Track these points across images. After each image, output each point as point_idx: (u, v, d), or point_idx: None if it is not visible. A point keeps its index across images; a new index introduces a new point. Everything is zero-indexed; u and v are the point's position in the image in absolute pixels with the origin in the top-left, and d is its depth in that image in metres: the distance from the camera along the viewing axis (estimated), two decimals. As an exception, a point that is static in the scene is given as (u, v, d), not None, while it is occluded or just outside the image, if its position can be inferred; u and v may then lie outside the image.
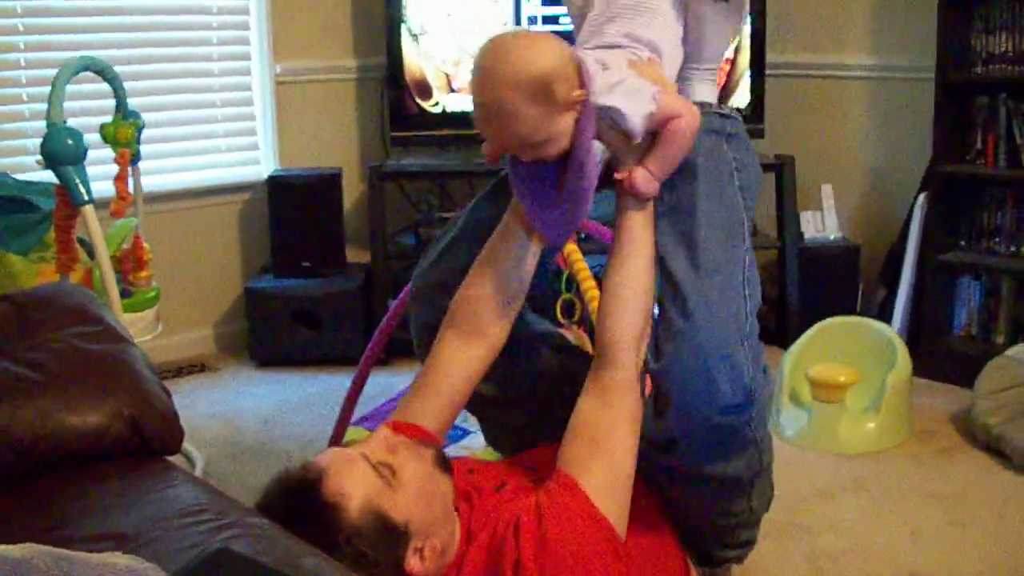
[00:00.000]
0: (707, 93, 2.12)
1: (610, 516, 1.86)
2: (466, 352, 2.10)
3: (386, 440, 1.87)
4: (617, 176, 1.97)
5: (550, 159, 1.92)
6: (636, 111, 1.87)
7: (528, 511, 1.83)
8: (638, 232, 2.00)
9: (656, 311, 2.03)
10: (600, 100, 1.87)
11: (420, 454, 1.87)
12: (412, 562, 1.76)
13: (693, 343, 1.93)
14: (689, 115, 1.93)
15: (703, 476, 2.09)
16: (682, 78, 2.09)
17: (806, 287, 4.31)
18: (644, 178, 1.94)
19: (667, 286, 2.00)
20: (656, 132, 1.92)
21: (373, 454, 1.82)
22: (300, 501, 1.74)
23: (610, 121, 1.90)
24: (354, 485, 1.75)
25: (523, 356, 2.31)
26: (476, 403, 2.37)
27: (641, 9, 2.00)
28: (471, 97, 1.90)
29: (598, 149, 1.97)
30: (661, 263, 2.01)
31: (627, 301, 1.97)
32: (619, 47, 1.97)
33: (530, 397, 2.30)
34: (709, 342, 1.93)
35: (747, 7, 2.11)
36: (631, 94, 1.88)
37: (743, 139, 2.14)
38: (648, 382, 2.03)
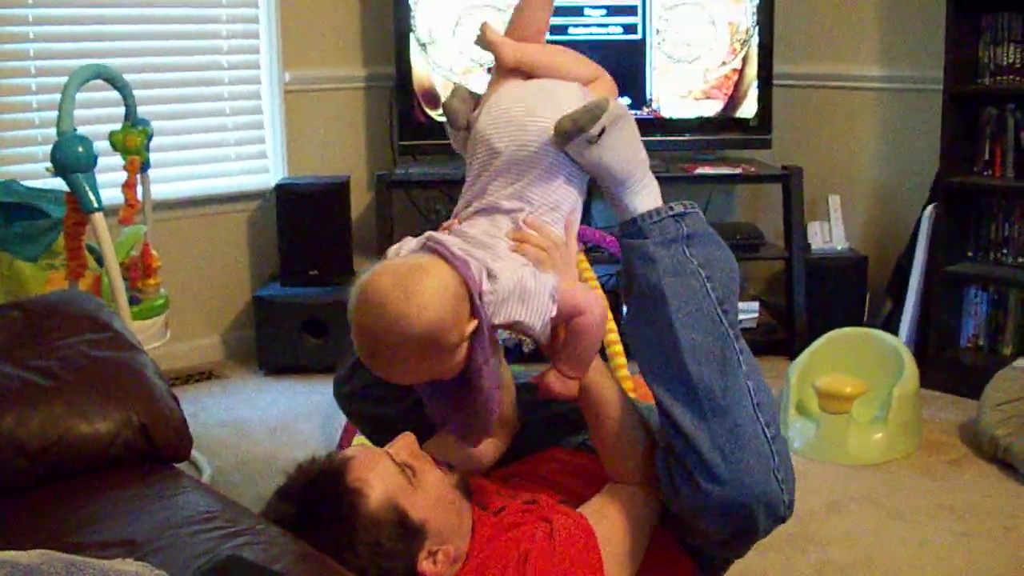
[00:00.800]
0: (649, 201, 1.94)
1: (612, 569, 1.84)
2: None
3: (411, 445, 1.86)
4: (534, 382, 1.86)
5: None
6: (535, 319, 1.72)
7: (541, 543, 1.79)
8: (594, 387, 1.90)
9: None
10: (497, 320, 1.71)
11: (443, 471, 1.87)
12: (425, 564, 1.75)
13: (722, 500, 1.80)
14: (591, 309, 1.79)
15: (723, 543, 2.06)
16: (612, 198, 1.94)
17: (813, 298, 4.31)
18: (559, 381, 1.82)
19: (677, 437, 1.85)
20: (560, 329, 1.79)
21: (398, 454, 1.82)
22: (323, 485, 1.73)
23: (512, 331, 1.75)
24: (377, 477, 1.75)
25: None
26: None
27: (528, 165, 1.85)
28: (355, 343, 1.72)
29: (494, 366, 1.78)
30: (662, 412, 1.87)
31: (624, 458, 1.93)
32: (502, 210, 1.83)
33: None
34: (739, 497, 1.80)
35: (618, 116, 1.87)
36: (527, 300, 1.72)
37: (705, 234, 1.97)
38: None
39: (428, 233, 1.79)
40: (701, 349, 1.86)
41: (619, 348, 2.83)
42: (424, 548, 1.74)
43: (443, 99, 1.98)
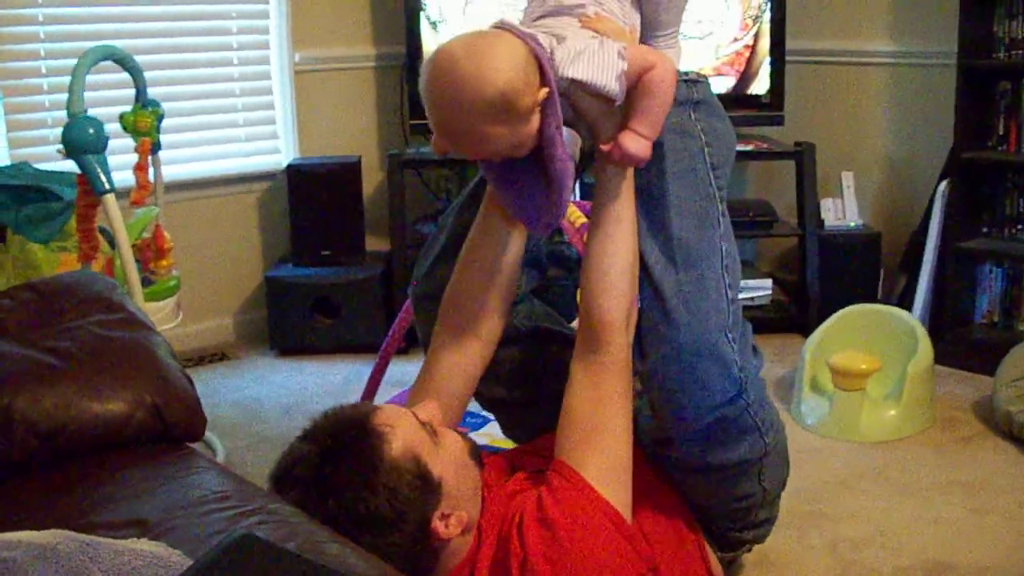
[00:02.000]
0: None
1: (614, 500, 1.85)
2: (462, 353, 2.06)
3: (435, 411, 1.88)
4: (603, 148, 1.88)
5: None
6: (608, 74, 1.77)
7: (530, 507, 1.82)
8: (621, 205, 1.93)
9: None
10: (567, 73, 1.76)
11: (460, 437, 1.89)
12: (437, 523, 1.76)
13: (676, 345, 1.91)
14: (662, 63, 1.84)
15: (706, 466, 2.08)
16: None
17: (826, 275, 4.30)
18: (633, 140, 1.84)
19: (645, 283, 1.95)
20: (631, 93, 1.83)
21: (420, 414, 1.84)
22: (348, 427, 1.77)
23: (585, 91, 1.79)
24: (401, 427, 1.78)
25: (531, 354, 2.30)
26: (490, 405, 2.38)
27: None
28: (428, 114, 1.76)
29: (568, 137, 1.86)
30: (640, 264, 1.96)
31: (612, 279, 1.92)
32: (567, 12, 1.87)
33: (543, 394, 2.24)
34: (693, 343, 1.90)
35: None
36: (597, 59, 1.78)
37: (712, 104, 2.09)
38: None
39: (500, 19, 1.82)
40: (685, 203, 1.96)
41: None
42: (439, 507, 1.76)
43: None
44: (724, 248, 1.99)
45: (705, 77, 2.08)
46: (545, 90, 1.73)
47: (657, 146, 1.91)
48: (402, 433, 1.77)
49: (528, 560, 1.75)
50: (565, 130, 1.82)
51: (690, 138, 2.01)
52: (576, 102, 1.84)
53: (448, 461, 1.80)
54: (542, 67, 1.73)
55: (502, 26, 1.77)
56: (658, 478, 2.12)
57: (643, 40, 2.00)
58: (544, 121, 1.75)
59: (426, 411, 1.86)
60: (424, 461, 1.76)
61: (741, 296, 2.07)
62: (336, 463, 1.72)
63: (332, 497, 1.70)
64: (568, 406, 1.92)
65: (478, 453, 1.93)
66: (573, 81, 1.77)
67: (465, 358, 2.07)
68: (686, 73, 2.04)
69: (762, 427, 2.07)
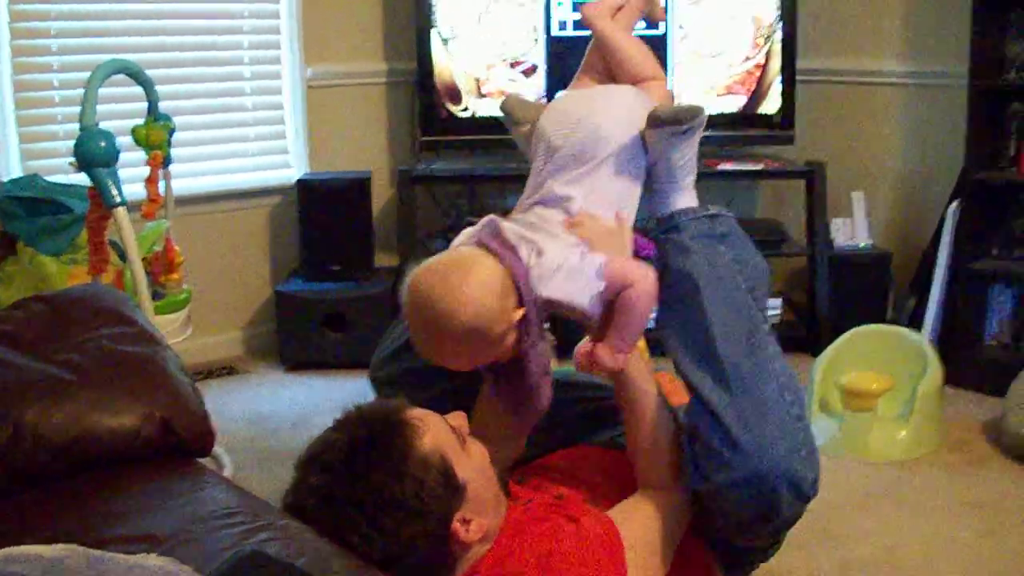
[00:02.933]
0: (687, 200, 2.08)
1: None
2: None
3: (463, 420, 1.88)
4: (577, 356, 1.92)
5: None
6: (583, 295, 1.82)
7: (565, 539, 1.81)
8: (632, 382, 1.97)
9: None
10: (544, 294, 1.81)
11: (485, 451, 1.88)
12: (458, 525, 1.76)
13: (746, 472, 1.86)
14: (642, 281, 1.86)
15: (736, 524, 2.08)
16: (656, 192, 2.07)
17: (836, 295, 4.29)
18: (607, 354, 1.88)
19: (702, 414, 1.92)
20: (610, 304, 1.86)
21: (450, 419, 1.84)
22: (381, 417, 1.78)
23: (561, 307, 1.84)
24: (433, 426, 1.78)
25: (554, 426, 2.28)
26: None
27: (585, 159, 1.95)
28: (410, 332, 1.87)
29: (542, 350, 1.88)
30: (691, 393, 1.96)
31: (656, 458, 1.97)
32: (556, 204, 1.93)
33: (551, 446, 2.27)
34: (762, 467, 1.86)
35: (703, 124, 2.02)
36: (575, 277, 1.82)
37: (738, 235, 2.10)
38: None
39: (489, 217, 1.90)
40: (730, 329, 1.95)
41: (642, 344, 2.84)
42: (461, 510, 1.76)
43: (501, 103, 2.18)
44: (778, 368, 1.97)
45: (729, 211, 2.11)
46: (520, 311, 1.79)
47: (692, 280, 1.98)
48: (433, 430, 1.77)
49: None
50: (539, 346, 1.86)
51: (721, 267, 2.02)
52: (555, 310, 1.87)
53: (474, 467, 1.81)
54: (519, 288, 1.79)
55: (486, 241, 1.84)
56: None
57: (656, 187, 2.07)
58: (519, 337, 1.82)
59: (456, 418, 1.87)
60: (451, 462, 1.76)
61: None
62: (367, 450, 1.73)
63: (360, 481, 1.70)
64: (635, 496, 1.99)
65: (506, 486, 1.93)
66: (549, 301, 1.82)
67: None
68: (708, 207, 2.07)
69: (814, 488, 2.01)
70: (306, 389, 4.03)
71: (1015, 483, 3.14)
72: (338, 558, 1.54)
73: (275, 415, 3.76)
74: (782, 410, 1.91)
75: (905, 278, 4.34)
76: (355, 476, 1.71)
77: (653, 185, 2.07)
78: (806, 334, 4.32)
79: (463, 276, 1.77)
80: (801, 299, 4.53)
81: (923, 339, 3.63)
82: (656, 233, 2.06)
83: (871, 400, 3.33)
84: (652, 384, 1.98)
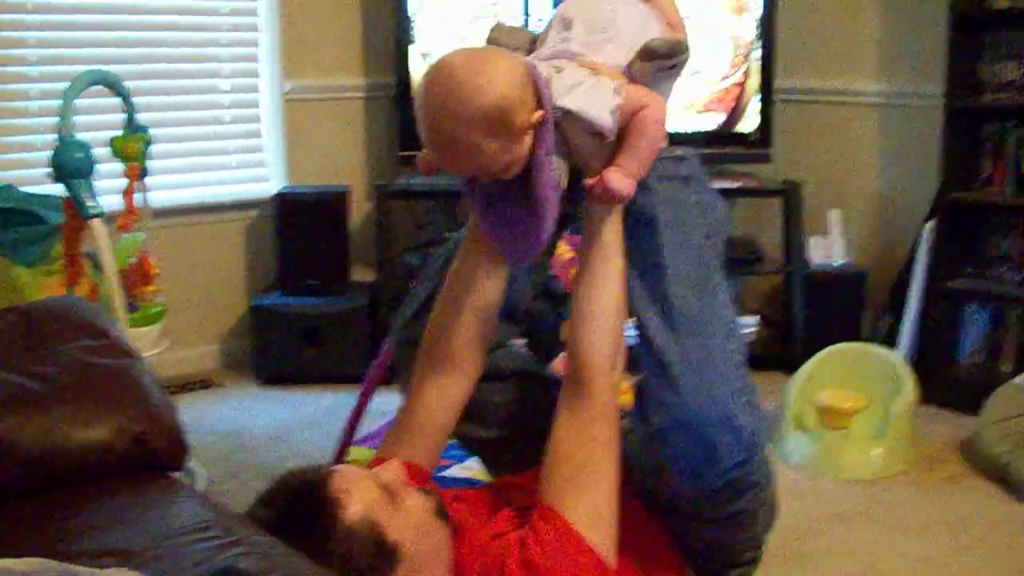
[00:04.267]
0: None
1: (598, 543, 1.82)
2: (445, 387, 2.06)
3: (398, 470, 1.86)
4: (588, 182, 1.85)
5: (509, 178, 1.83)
6: (602, 108, 1.77)
7: (513, 551, 1.80)
8: (608, 246, 1.92)
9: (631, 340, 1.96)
10: (561, 103, 1.77)
11: (425, 496, 1.86)
12: None
13: (684, 414, 1.88)
14: (655, 103, 1.83)
15: (698, 516, 2.08)
16: None
17: (812, 312, 4.30)
18: (617, 177, 1.81)
19: (646, 353, 1.95)
20: (621, 132, 1.82)
21: (382, 475, 1.82)
22: (304, 494, 1.74)
23: (577, 124, 1.79)
24: (359, 491, 1.75)
25: (516, 395, 2.30)
26: (474, 445, 2.38)
27: (598, 33, 1.91)
28: (420, 124, 1.78)
29: (557, 166, 1.84)
30: (641, 334, 1.96)
31: (599, 320, 1.90)
32: (567, 56, 1.87)
33: (527, 434, 2.19)
34: (701, 410, 1.87)
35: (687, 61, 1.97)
36: (592, 92, 1.79)
37: (701, 179, 2.10)
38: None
39: (495, 24, 1.93)
40: (684, 272, 1.96)
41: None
42: (396, 572, 1.73)
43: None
44: (727, 315, 1.99)
45: (694, 153, 2.10)
46: (540, 112, 1.75)
47: (652, 220, 1.96)
48: (359, 498, 1.73)
49: None
50: (554, 158, 1.82)
51: (683, 211, 2.02)
52: (568, 135, 1.83)
53: (409, 524, 1.77)
54: (539, 90, 1.75)
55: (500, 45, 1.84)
56: (646, 510, 2.11)
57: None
58: (536, 143, 1.77)
59: (389, 471, 1.84)
60: (381, 526, 1.72)
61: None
62: (293, 532, 1.70)
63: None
64: (553, 448, 1.90)
65: (444, 511, 1.90)
66: (567, 112, 1.77)
67: (448, 391, 2.07)
68: (674, 149, 2.05)
69: (762, 482, 2.04)
70: (281, 403, 4.02)
71: (989, 502, 3.15)
72: (311, 573, 1.53)
73: (250, 429, 3.74)
74: (725, 356, 1.93)
75: (881, 296, 4.36)
76: None
77: None
78: (781, 352, 4.33)
79: (492, 59, 1.74)
80: (777, 317, 4.54)
81: (898, 357, 3.65)
82: None
83: (846, 418, 3.34)
84: (622, 256, 1.93)
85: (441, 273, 2.21)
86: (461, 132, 1.72)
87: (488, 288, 2.05)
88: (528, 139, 1.76)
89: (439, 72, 1.74)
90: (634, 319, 1.97)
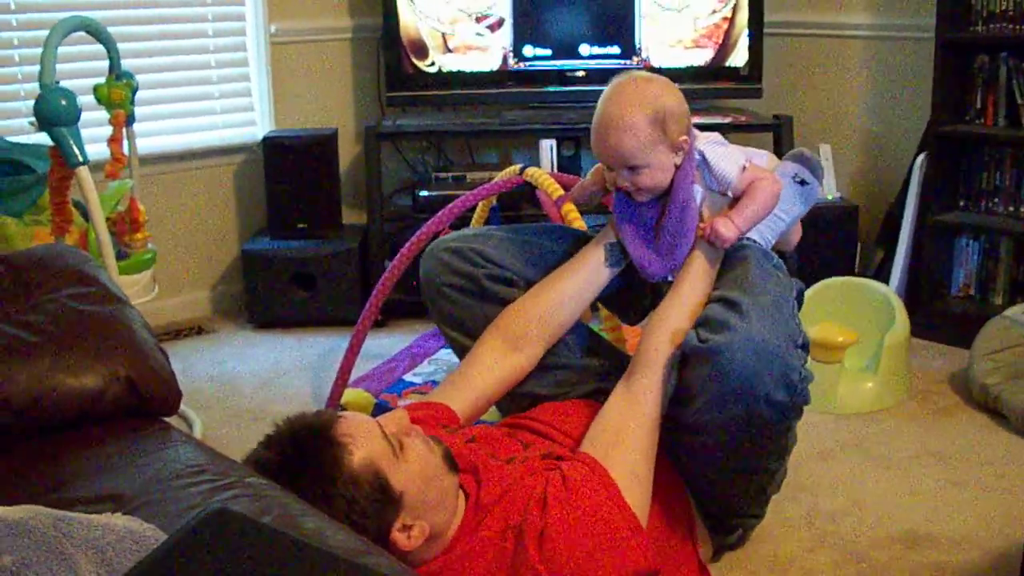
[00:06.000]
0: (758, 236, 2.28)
1: (632, 503, 1.95)
2: (504, 360, 2.32)
3: (401, 420, 1.90)
4: (701, 225, 2.19)
5: (645, 192, 2.20)
6: (731, 166, 2.17)
7: (555, 486, 1.90)
8: (699, 273, 2.19)
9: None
10: (703, 148, 2.19)
11: (430, 445, 1.89)
12: (397, 535, 1.78)
13: (747, 334, 2.00)
14: (772, 179, 2.19)
15: (724, 464, 2.18)
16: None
17: (804, 248, 4.24)
18: (725, 224, 2.14)
19: (721, 306, 2.08)
20: (738, 197, 2.18)
21: (387, 426, 1.85)
22: (309, 436, 1.78)
23: (707, 173, 2.19)
24: (364, 438, 1.79)
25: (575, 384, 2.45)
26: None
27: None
28: (592, 124, 2.20)
29: (698, 195, 2.21)
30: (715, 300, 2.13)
31: (674, 324, 2.13)
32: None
33: (571, 394, 2.44)
34: (762, 335, 2.00)
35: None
36: (727, 153, 2.20)
37: (787, 284, 2.23)
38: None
39: None
40: (765, 284, 2.13)
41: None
42: (399, 519, 1.77)
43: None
44: (796, 315, 2.15)
45: (803, 286, 2.35)
46: (687, 138, 2.18)
47: (742, 256, 2.19)
48: (363, 444, 1.78)
49: (547, 533, 1.81)
50: (698, 188, 2.20)
51: (767, 258, 2.22)
52: (697, 181, 2.17)
53: (413, 473, 1.82)
54: (691, 128, 2.20)
55: None
56: (664, 458, 2.16)
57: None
58: (682, 167, 2.18)
59: (393, 422, 1.89)
60: (384, 474, 1.77)
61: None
62: (296, 472, 1.73)
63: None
64: (603, 414, 2.12)
65: (452, 459, 1.93)
66: (703, 159, 2.19)
67: (504, 363, 2.32)
68: (770, 253, 2.27)
69: (787, 451, 2.30)
70: (274, 348, 4.02)
71: (981, 434, 3.17)
72: (306, 515, 1.54)
73: (243, 374, 3.75)
74: (793, 321, 2.10)
75: (872, 231, 4.36)
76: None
77: None
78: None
79: (668, 83, 2.21)
80: (769, 253, 4.54)
81: (890, 291, 3.65)
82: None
83: (838, 352, 3.35)
84: (706, 292, 2.18)
85: (526, 229, 2.53)
86: (627, 111, 2.12)
87: (587, 294, 2.36)
88: (672, 158, 2.17)
89: (634, 75, 2.20)
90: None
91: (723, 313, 2.03)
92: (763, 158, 2.31)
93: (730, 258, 2.21)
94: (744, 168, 2.18)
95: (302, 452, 1.75)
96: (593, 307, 2.59)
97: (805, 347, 2.10)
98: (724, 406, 2.03)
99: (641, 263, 2.26)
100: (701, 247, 2.20)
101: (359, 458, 1.76)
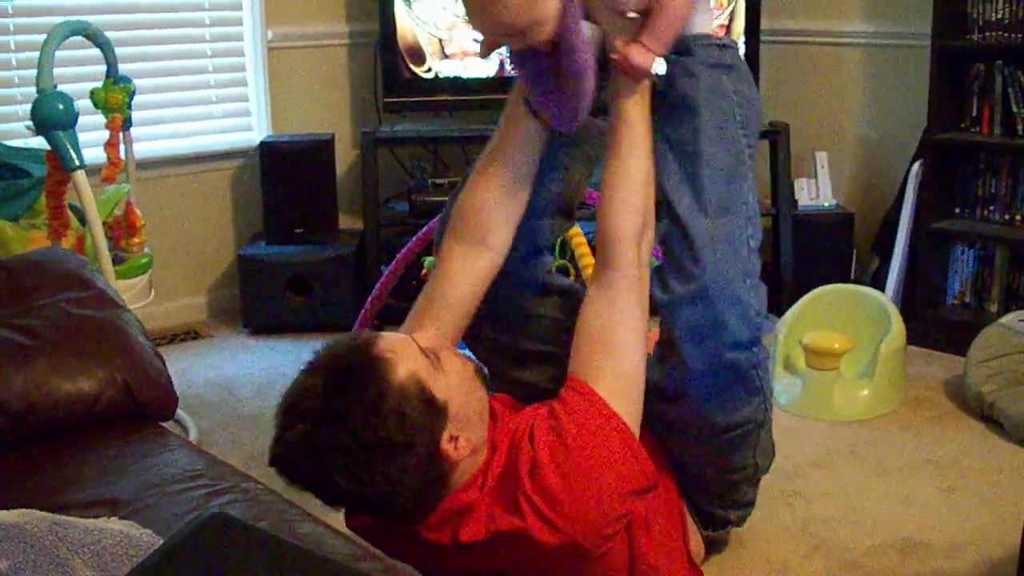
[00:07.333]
0: (703, 24, 2.13)
1: (623, 413, 1.92)
2: (472, 261, 2.12)
3: (435, 337, 1.91)
4: (612, 56, 1.97)
5: (539, 46, 1.92)
6: None
7: (543, 416, 1.90)
8: (635, 125, 2.02)
9: (660, 234, 2.09)
10: None
11: (464, 359, 1.92)
12: (447, 446, 1.80)
13: (702, 283, 1.99)
14: None
15: (708, 427, 2.13)
16: None
17: (800, 255, 4.31)
18: (639, 53, 1.95)
19: (673, 227, 2.04)
20: (647, 10, 1.95)
21: (420, 341, 1.85)
22: (352, 356, 1.79)
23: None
24: (405, 354, 1.81)
25: (563, 311, 2.32)
26: (524, 357, 2.36)
27: None
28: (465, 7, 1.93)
29: (589, 32, 1.95)
30: (667, 205, 2.06)
31: (626, 198, 2.01)
32: None
33: (541, 352, 2.32)
34: (717, 282, 1.99)
35: None
36: None
37: (742, 70, 2.17)
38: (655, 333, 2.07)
39: None
40: (717, 156, 2.06)
41: (585, 249, 3.04)
42: (447, 429, 1.78)
43: None
44: (749, 200, 2.09)
45: (735, 43, 2.22)
46: None
47: (693, 104, 2.05)
48: (405, 359, 1.80)
49: (537, 463, 1.82)
50: (586, 26, 1.92)
51: (722, 98, 2.10)
52: (592, 11, 1.95)
53: (452, 384, 1.84)
54: None
55: None
56: (656, 446, 2.16)
57: None
58: (563, 7, 1.86)
59: (425, 338, 1.89)
60: (428, 385, 1.79)
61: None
62: (344, 393, 1.74)
63: (342, 426, 1.72)
64: (582, 322, 2.02)
65: (483, 374, 1.97)
66: None
67: (474, 266, 2.13)
68: (720, 37, 2.18)
69: (765, 391, 2.16)
70: (270, 353, 4.02)
71: (976, 441, 3.17)
72: (302, 520, 1.54)
73: (239, 379, 3.74)
74: (742, 239, 2.04)
75: (868, 238, 4.36)
76: (335, 421, 1.72)
77: None
78: (769, 293, 4.31)
79: None
80: (765, 259, 4.54)
81: (886, 299, 3.65)
82: (668, 54, 2.08)
83: (834, 359, 3.35)
84: (649, 135, 2.04)
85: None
86: None
87: (524, 163, 2.12)
88: (553, 2, 1.86)
89: None
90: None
91: (677, 252, 2.03)
92: None
93: (678, 106, 2.07)
94: None
95: (348, 372, 1.76)
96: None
97: (755, 274, 2.08)
98: (696, 357, 2.04)
99: (553, 121, 2.05)
100: (623, 87, 2.01)
101: (404, 372, 1.77)
